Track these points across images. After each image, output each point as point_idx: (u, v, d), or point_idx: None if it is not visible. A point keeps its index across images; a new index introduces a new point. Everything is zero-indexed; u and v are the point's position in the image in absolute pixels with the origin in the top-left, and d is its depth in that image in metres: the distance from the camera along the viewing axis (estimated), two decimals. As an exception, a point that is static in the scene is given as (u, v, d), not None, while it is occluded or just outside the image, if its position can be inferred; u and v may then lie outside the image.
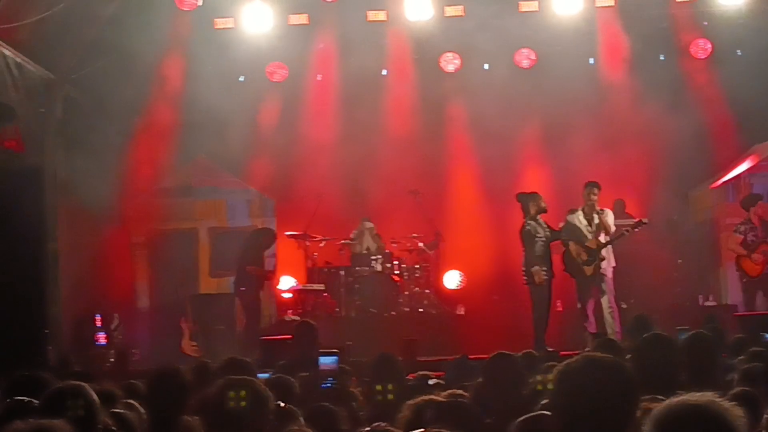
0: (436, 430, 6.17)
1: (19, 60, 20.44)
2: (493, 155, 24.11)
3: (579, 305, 19.72)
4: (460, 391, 8.50)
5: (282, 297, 22.19)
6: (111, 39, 21.98)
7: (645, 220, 20.33)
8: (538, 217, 19.10)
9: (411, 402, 7.50)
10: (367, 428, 6.27)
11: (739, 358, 10.63)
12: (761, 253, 20.73)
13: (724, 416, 4.14)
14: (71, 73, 22.08)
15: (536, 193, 19.85)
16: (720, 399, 4.37)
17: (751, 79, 23.59)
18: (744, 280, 20.60)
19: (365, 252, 22.57)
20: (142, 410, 7.38)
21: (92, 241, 21.89)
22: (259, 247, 22.11)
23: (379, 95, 24.31)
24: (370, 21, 23.29)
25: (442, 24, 23.56)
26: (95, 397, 6.11)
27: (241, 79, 23.89)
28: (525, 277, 19.21)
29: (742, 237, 20.63)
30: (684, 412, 4.17)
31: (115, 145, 23.06)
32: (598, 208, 19.53)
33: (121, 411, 7.57)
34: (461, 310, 22.66)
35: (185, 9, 22.53)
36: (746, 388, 7.01)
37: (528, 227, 19.16)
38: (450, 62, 23.99)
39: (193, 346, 20.21)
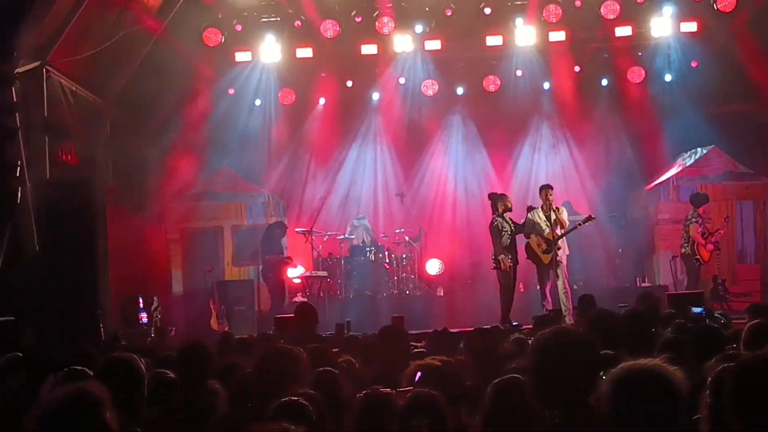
0: (424, 389, 6.17)
1: (73, 88, 20.42)
2: (466, 163, 24.17)
3: (538, 287, 19.74)
4: (446, 358, 8.52)
5: (293, 282, 22.18)
6: (149, 70, 21.98)
7: (593, 216, 20.36)
8: (505, 214, 19.12)
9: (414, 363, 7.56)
10: (365, 391, 6.24)
11: (669, 329, 10.67)
12: (711, 243, 20.84)
13: (670, 377, 4.17)
14: (116, 98, 22.05)
15: (504, 194, 19.90)
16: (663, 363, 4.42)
17: (676, 99, 23.74)
18: (697, 264, 20.57)
19: (361, 244, 22.57)
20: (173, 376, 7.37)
21: (135, 238, 21.86)
22: (275, 237, 22.16)
23: (372, 115, 24.33)
24: (363, 54, 23.27)
25: (423, 56, 23.57)
26: (142, 366, 6.11)
27: (258, 102, 23.86)
28: (494, 264, 19.21)
29: (701, 228, 20.65)
30: (637, 373, 4.20)
31: (153, 158, 23.04)
32: (554, 206, 19.54)
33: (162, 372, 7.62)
34: (440, 292, 22.67)
35: (211, 45, 22.57)
36: (670, 355, 7.04)
37: (496, 222, 19.17)
38: (429, 88, 23.98)
39: (220, 323, 20.23)
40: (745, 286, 21.80)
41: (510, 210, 19.35)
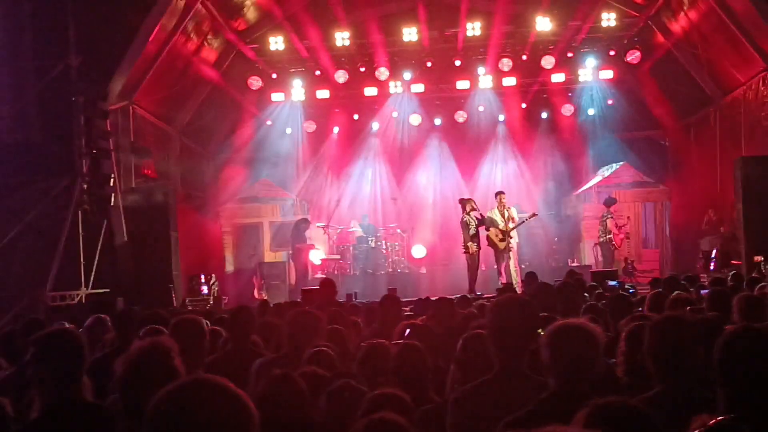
0: (411, 341, 6.17)
1: (152, 120, 20.45)
2: (442, 175, 24.13)
3: (496, 266, 19.73)
4: (426, 318, 8.55)
5: (314, 264, 22.16)
6: (208, 107, 22.02)
7: (536, 214, 20.34)
8: (471, 212, 19.10)
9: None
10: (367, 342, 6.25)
11: (591, 297, 10.72)
12: (622, 233, 20.89)
13: (592, 331, 4.17)
14: (184, 128, 22.07)
15: (471, 198, 19.88)
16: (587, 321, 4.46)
17: (596, 128, 23.79)
18: (612, 249, 20.59)
19: (364, 235, 22.53)
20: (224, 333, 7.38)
21: (198, 231, 21.84)
22: (301, 230, 22.12)
23: (372, 139, 24.29)
24: (366, 96, 23.26)
25: (410, 96, 23.56)
26: (204, 324, 6.11)
27: (288, 130, 23.82)
28: (463, 250, 19.20)
29: (614, 222, 20.70)
30: (568, 328, 4.19)
31: (211, 172, 23.03)
32: (506, 206, 19.56)
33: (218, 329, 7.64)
34: (423, 270, 22.62)
35: (253, 88, 22.59)
36: (592, 316, 7.08)
37: (465, 219, 19.14)
38: (415, 119, 23.98)
39: (260, 293, 20.23)
40: (648, 265, 21.81)
41: (475, 210, 19.35)
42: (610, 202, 21.11)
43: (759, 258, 16.44)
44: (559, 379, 4.12)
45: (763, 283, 9.44)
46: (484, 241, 19.37)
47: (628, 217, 21.70)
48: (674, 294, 8.79)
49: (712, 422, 3.37)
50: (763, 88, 19.36)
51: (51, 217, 17.69)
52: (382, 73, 22.75)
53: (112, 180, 18.05)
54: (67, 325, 5.85)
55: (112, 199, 18.20)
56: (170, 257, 18.33)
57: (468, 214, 19.34)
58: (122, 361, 3.64)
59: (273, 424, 3.30)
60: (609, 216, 20.76)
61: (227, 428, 2.08)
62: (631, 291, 13.30)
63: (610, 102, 23.74)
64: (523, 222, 19.94)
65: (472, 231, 19.21)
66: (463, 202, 19.81)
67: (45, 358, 4.56)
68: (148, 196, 18.85)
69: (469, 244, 19.20)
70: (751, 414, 3.32)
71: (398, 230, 22.96)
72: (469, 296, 13.96)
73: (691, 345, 4.29)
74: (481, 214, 19.51)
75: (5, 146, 18.04)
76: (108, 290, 17.27)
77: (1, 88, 18.36)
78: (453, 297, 11.47)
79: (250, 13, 21.03)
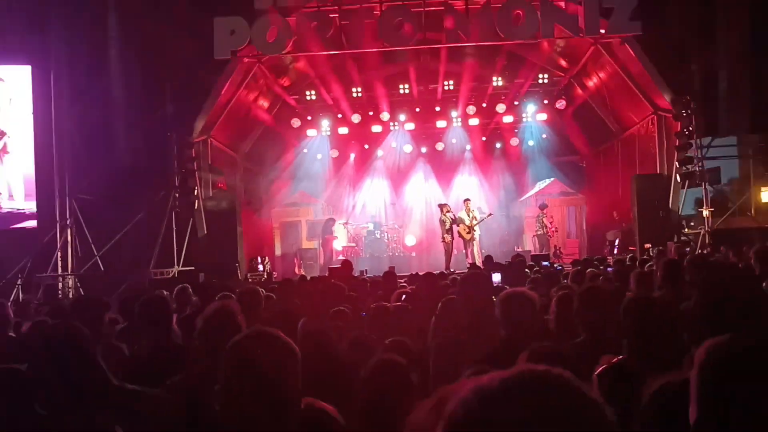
0: (404, 303, 6.17)
1: (223, 148, 20.45)
2: (427, 187, 24.03)
3: (464, 251, 19.73)
4: (414, 287, 8.53)
5: (337, 250, 22.09)
6: (262, 140, 22.01)
7: (491, 214, 20.32)
8: (447, 213, 19.14)
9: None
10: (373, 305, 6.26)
11: (531, 272, 10.69)
12: (553, 228, 20.86)
13: (531, 296, 4.16)
14: (245, 155, 22.07)
15: (446, 204, 19.90)
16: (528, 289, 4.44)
17: (535, 154, 23.73)
18: (546, 239, 20.51)
19: (372, 230, 22.47)
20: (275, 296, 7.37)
21: (255, 226, 21.82)
22: (328, 226, 22.13)
23: (378, 162, 24.20)
24: (373, 131, 23.25)
25: (404, 132, 23.50)
26: (260, 292, 6.11)
27: (318, 156, 23.69)
28: (441, 240, 19.21)
29: (548, 220, 20.65)
30: (515, 294, 4.20)
31: (264, 185, 23.01)
32: (471, 209, 19.56)
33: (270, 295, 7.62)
34: (414, 254, 22.55)
35: (294, 126, 22.57)
36: (531, 286, 7.07)
37: (442, 218, 19.18)
38: (407, 148, 23.91)
39: (300, 270, 20.18)
40: (571, 250, 21.75)
41: (449, 211, 19.37)
42: (543, 206, 21.13)
43: (648, 245, 16.45)
44: (508, 330, 4.13)
45: (650, 263, 9.43)
46: (456, 234, 19.40)
47: (552, 216, 21.58)
48: (589, 270, 8.80)
49: (614, 360, 3.38)
50: (651, 127, 19.39)
51: (153, 217, 17.75)
52: (385, 115, 22.76)
53: (195, 191, 18.06)
54: (165, 293, 5.84)
55: (196, 205, 18.21)
56: (236, 245, 18.32)
57: (444, 214, 19.39)
58: (201, 318, 3.63)
59: (313, 359, 3.28)
60: (544, 216, 20.76)
61: (278, 363, 2.07)
62: (558, 268, 13.31)
63: (544, 136, 23.67)
64: (483, 220, 19.92)
65: (447, 226, 19.24)
66: (441, 206, 19.89)
67: (146, 314, 4.59)
68: (220, 202, 18.83)
69: (445, 235, 19.24)
70: (642, 356, 3.33)
71: (396, 226, 22.91)
72: (445, 272, 13.97)
73: (604, 306, 4.29)
74: (453, 215, 19.52)
75: (123, 168, 18.04)
76: (192, 268, 17.30)
77: (120, 128, 18.37)
78: (435, 272, 11.46)
79: (292, 74, 21.02)
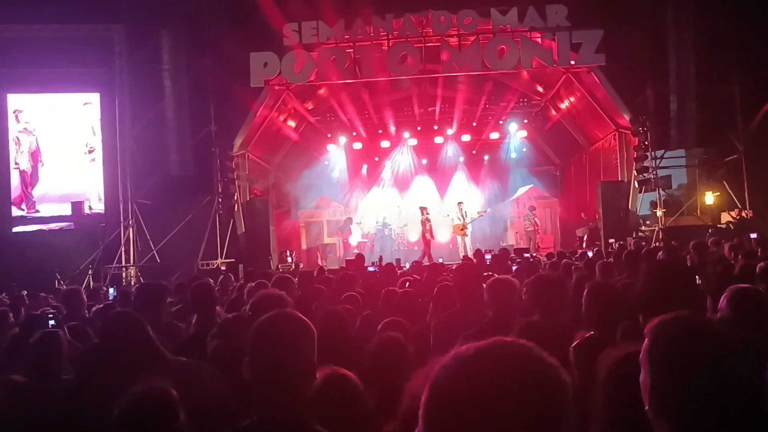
0: (408, 289, 6.15)
1: (258, 161, 20.46)
2: (428, 192, 23.90)
3: (459, 246, 19.73)
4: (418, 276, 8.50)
5: (352, 245, 21.97)
6: (291, 154, 22.01)
7: (485, 212, 20.35)
8: (426, 214, 19.36)
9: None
10: (385, 289, 6.25)
11: (516, 263, 10.62)
12: (537, 226, 20.73)
13: (513, 282, 4.20)
14: (277, 166, 22.09)
15: (426, 207, 20.08)
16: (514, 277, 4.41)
17: (517, 165, 23.60)
18: (533, 235, 20.35)
19: (381, 228, 22.39)
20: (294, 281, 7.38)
21: (285, 225, 21.86)
22: (346, 225, 21.95)
23: (386, 172, 24.13)
24: (382, 147, 23.23)
25: (409, 147, 23.45)
26: (293, 279, 6.12)
27: (337, 167, 23.56)
28: (423, 237, 19.59)
29: (533, 222, 20.55)
30: (499, 280, 4.21)
31: (292, 191, 22.91)
32: (464, 211, 19.55)
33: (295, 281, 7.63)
34: (416, 248, 22.33)
35: (316, 143, 22.58)
36: (514, 275, 7.04)
37: (422, 219, 19.33)
38: (411, 160, 23.84)
39: (323, 262, 20.13)
40: (547, 245, 21.59)
41: (428, 214, 19.55)
42: (532, 208, 21.00)
43: (611, 240, 16.41)
44: (494, 311, 4.12)
45: (611, 258, 9.42)
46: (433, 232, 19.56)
47: (535, 220, 21.40)
48: (564, 261, 8.77)
49: (587, 335, 3.38)
50: (613, 141, 19.35)
51: (200, 218, 17.80)
52: (392, 133, 22.74)
53: (235, 196, 18.10)
54: (210, 280, 5.87)
55: (235, 207, 18.25)
56: (269, 240, 18.35)
57: (425, 215, 19.52)
58: (254, 299, 3.68)
59: (329, 337, 3.30)
60: (532, 216, 20.64)
61: (296, 339, 2.10)
62: (536, 259, 13.25)
63: (524, 150, 23.60)
64: (474, 219, 19.92)
65: (426, 227, 19.35)
66: (422, 209, 19.91)
67: (196, 297, 4.60)
68: (256, 206, 18.87)
69: (426, 234, 19.28)
70: (604, 331, 3.33)
71: (401, 225, 22.81)
72: (424, 263, 13.98)
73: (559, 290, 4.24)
74: (427, 218, 19.51)
75: (174, 177, 18.15)
76: (233, 260, 17.33)
77: (172, 144, 18.44)
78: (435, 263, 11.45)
79: (315, 100, 21.02)
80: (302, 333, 2.10)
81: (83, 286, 14.22)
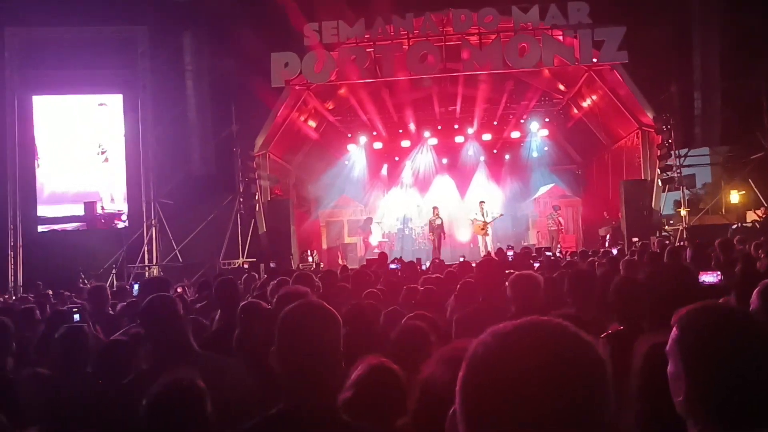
0: (429, 286, 6.13)
1: (279, 161, 20.55)
2: (448, 191, 23.81)
3: (480, 245, 19.69)
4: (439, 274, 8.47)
5: (373, 244, 21.93)
6: (311, 154, 22.06)
7: (502, 214, 20.29)
8: (437, 213, 19.42)
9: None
10: (405, 286, 6.23)
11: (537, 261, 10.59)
12: (561, 225, 20.60)
13: (537, 277, 4.17)
14: (297, 165, 22.15)
15: (437, 207, 20.38)
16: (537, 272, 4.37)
17: (538, 164, 23.43)
18: (556, 234, 20.15)
19: (402, 227, 22.36)
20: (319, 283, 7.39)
21: (306, 225, 21.90)
22: (367, 224, 21.98)
23: (406, 171, 24.07)
24: (402, 146, 23.22)
25: (429, 146, 23.40)
26: (315, 278, 6.13)
27: (357, 166, 23.47)
28: (431, 237, 19.79)
29: (557, 221, 20.42)
30: (522, 275, 4.19)
31: (312, 191, 22.98)
32: (485, 210, 19.51)
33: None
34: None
35: (337, 142, 22.64)
36: (537, 270, 6.99)
37: (431, 218, 19.17)
38: (431, 159, 23.81)
39: (343, 261, 20.12)
40: (570, 244, 21.38)
41: (438, 214, 19.84)
42: (556, 208, 20.88)
43: (635, 239, 16.26)
44: (517, 306, 4.11)
45: (636, 256, 9.34)
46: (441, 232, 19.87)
47: (559, 220, 21.26)
48: (588, 260, 8.71)
49: (619, 327, 3.36)
50: (636, 140, 19.16)
51: (222, 218, 17.93)
52: (412, 132, 22.73)
53: (256, 196, 18.18)
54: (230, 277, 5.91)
55: (257, 207, 18.34)
56: (290, 240, 18.39)
57: (437, 216, 19.59)
58: (278, 295, 3.71)
59: (356, 328, 3.31)
60: (556, 214, 20.52)
61: (323, 328, 2.12)
62: (558, 257, 13.19)
63: (546, 148, 23.47)
64: (495, 219, 19.86)
65: (435, 225, 19.60)
66: (434, 208, 19.96)
67: (220, 292, 4.63)
68: (277, 205, 18.95)
69: (436, 232, 19.59)
70: (632, 326, 3.30)
71: (421, 224, 22.72)
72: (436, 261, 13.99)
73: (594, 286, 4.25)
74: (437, 218, 19.54)
75: (197, 177, 18.30)
76: (254, 259, 17.43)
77: (194, 144, 18.58)
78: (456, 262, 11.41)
79: (335, 100, 21.07)
80: (328, 322, 2.11)
81: (107, 284, 14.36)
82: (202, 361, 2.86)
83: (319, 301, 2.20)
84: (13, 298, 14.46)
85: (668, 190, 17.59)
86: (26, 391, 4.16)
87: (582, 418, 1.04)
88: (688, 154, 17.65)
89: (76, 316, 4.92)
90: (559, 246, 20.01)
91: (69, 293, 10.96)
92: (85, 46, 18.44)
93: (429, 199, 23.18)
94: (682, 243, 15.28)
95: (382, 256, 12.80)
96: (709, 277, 3.69)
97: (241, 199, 17.95)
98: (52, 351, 4.38)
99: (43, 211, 19.00)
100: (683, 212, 17.46)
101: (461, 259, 14.31)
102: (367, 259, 16.40)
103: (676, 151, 16.97)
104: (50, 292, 11.11)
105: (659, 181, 17.44)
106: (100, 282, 11.30)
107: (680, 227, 17.18)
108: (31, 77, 18.81)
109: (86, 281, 15.87)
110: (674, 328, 1.77)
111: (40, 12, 17.57)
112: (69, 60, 18.31)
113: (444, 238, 19.97)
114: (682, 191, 17.44)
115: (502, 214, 20.26)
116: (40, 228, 18.81)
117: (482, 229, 19.55)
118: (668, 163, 16.93)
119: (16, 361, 4.55)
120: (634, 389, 2.02)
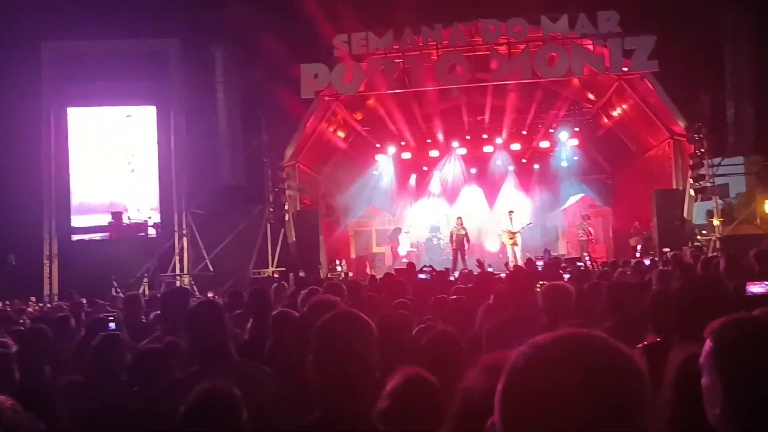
0: (458, 297, 6.11)
1: (308, 170, 20.64)
2: (476, 201, 23.70)
3: (508, 254, 19.57)
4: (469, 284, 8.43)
5: (401, 254, 21.94)
6: (339, 164, 22.10)
7: (530, 223, 20.16)
8: (459, 225, 19.43)
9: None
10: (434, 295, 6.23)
11: (567, 272, 10.49)
12: (590, 235, 20.40)
13: (568, 287, 4.13)
14: (325, 175, 22.21)
15: (460, 217, 20.26)
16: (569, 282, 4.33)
17: (568, 174, 23.24)
18: (586, 244, 19.94)
19: (430, 237, 22.32)
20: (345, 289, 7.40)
21: (334, 234, 21.96)
22: (395, 234, 22.09)
23: (435, 181, 24.03)
24: (431, 156, 23.22)
25: (456, 155, 23.35)
26: (343, 287, 6.16)
27: (386, 176, 23.48)
28: (452, 247, 19.90)
29: (587, 231, 20.24)
30: (553, 285, 4.15)
31: (341, 201, 22.97)
32: (513, 218, 19.42)
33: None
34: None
35: (365, 152, 22.70)
36: (568, 280, 6.93)
37: (453, 228, 19.38)
38: (460, 169, 23.72)
39: (372, 270, 20.11)
40: (600, 254, 21.17)
41: (462, 224, 19.69)
42: (586, 217, 20.71)
43: (666, 249, 16.04)
44: (548, 316, 4.09)
45: (667, 267, 9.22)
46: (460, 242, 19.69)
47: (588, 230, 21.05)
48: (618, 271, 8.64)
49: (656, 339, 3.33)
50: (667, 149, 18.94)
51: (252, 227, 18.09)
52: (440, 142, 22.74)
53: (285, 206, 18.29)
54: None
55: (286, 217, 18.45)
56: (318, 249, 18.47)
57: (459, 227, 19.45)
58: (309, 304, 3.74)
59: (388, 335, 3.31)
60: (586, 223, 20.34)
61: (359, 337, 2.13)
62: (588, 268, 13.07)
63: (575, 158, 23.31)
64: (524, 228, 19.75)
65: (457, 234, 19.56)
66: (458, 218, 19.86)
67: (253, 301, 4.68)
68: (306, 215, 19.05)
69: (461, 242, 19.54)
70: (666, 337, 3.27)
71: (448, 234, 22.63)
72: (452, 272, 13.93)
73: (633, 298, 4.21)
74: (461, 227, 19.60)
75: (227, 187, 18.51)
76: (284, 269, 17.51)
77: (225, 155, 18.79)
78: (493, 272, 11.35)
79: (364, 110, 21.16)
80: (364, 331, 2.13)
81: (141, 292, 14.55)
82: (240, 369, 2.91)
83: (356, 311, 2.23)
84: (48, 306, 14.75)
85: (701, 200, 17.34)
86: (63, 399, 4.24)
87: (620, 430, 1.05)
88: (721, 163, 17.40)
89: (112, 325, 5.01)
90: (586, 256, 19.85)
91: (103, 302, 11.12)
92: (118, 59, 18.81)
93: (457, 209, 23.14)
94: (715, 253, 15.04)
95: (410, 266, 12.78)
96: (756, 288, 3.63)
97: (271, 209, 18.08)
98: (88, 359, 4.45)
99: (75, 221, 19.36)
100: (716, 222, 17.19)
101: (489, 269, 14.26)
102: (396, 269, 16.41)
103: (709, 160, 16.74)
104: (84, 301, 11.28)
105: (691, 190, 17.21)
106: (133, 291, 11.47)
107: (713, 237, 16.92)
108: (66, 90, 19.22)
109: (119, 290, 16.11)
110: (708, 341, 1.76)
111: (74, 26, 17.96)
112: (103, 72, 18.69)
113: (468, 247, 19.85)
114: (715, 201, 17.18)
115: (530, 223, 20.12)
116: (74, 237, 19.15)
117: (511, 238, 19.45)
118: (701, 172, 16.71)
119: (52, 369, 4.63)
120: (667, 401, 2.00)
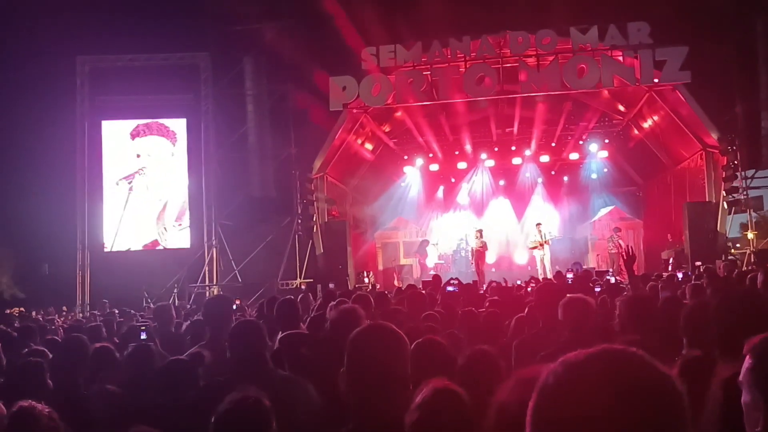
0: (492, 309, 6.06)
1: (336, 183, 20.70)
2: (505, 214, 23.56)
3: (538, 267, 19.42)
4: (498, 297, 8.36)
5: (428, 266, 21.85)
6: (367, 176, 22.16)
7: (558, 236, 19.98)
8: (479, 238, 19.24)
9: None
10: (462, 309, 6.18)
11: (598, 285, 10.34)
12: (620, 248, 20.12)
13: (590, 301, 4.08)
14: (353, 187, 22.28)
15: (481, 229, 19.94)
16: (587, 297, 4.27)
17: (597, 186, 23.03)
18: (616, 257, 19.61)
19: (458, 249, 22.19)
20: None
21: (362, 246, 21.96)
22: (423, 246, 22.04)
23: (463, 193, 23.96)
24: (458, 168, 23.15)
25: (484, 167, 23.25)
26: (371, 298, 6.15)
27: (414, 188, 23.42)
28: (472, 262, 19.73)
29: (618, 242, 19.99)
30: (574, 299, 4.10)
31: (369, 212, 23.06)
32: (542, 231, 19.26)
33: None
34: (494, 270, 21.96)
35: (393, 164, 22.74)
36: (597, 294, 6.84)
37: (475, 241, 19.01)
38: (488, 181, 23.63)
39: (400, 282, 20.07)
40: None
41: (481, 237, 19.29)
42: (617, 230, 20.44)
43: (698, 263, 15.79)
44: (570, 330, 4.03)
45: (703, 280, 9.06)
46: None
47: (620, 242, 20.79)
48: (649, 284, 8.51)
49: (696, 354, 3.27)
50: (700, 161, 18.68)
51: (280, 239, 18.18)
52: (468, 154, 22.67)
53: (314, 218, 18.39)
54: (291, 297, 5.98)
55: (314, 228, 18.53)
56: (346, 261, 18.51)
57: (480, 239, 19.21)
58: (333, 314, 3.74)
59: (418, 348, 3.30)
60: (616, 236, 20.09)
61: (391, 350, 2.12)
62: (618, 281, 12.87)
63: (605, 170, 23.10)
64: (554, 237, 19.65)
65: (474, 251, 19.35)
66: (478, 230, 19.68)
67: (281, 312, 4.70)
68: (334, 227, 19.11)
69: (483, 257, 19.36)
70: (705, 353, 3.21)
71: (470, 247, 22.43)
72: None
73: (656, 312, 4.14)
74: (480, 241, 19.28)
75: (256, 199, 18.65)
76: (312, 280, 17.57)
77: (254, 167, 18.94)
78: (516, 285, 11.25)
79: (392, 122, 21.20)
80: (397, 344, 2.13)
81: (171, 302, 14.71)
82: (275, 380, 2.93)
83: (389, 324, 2.23)
84: (80, 315, 14.97)
85: (734, 213, 17.04)
86: (96, 407, 4.29)
87: None
88: (755, 175, 17.11)
89: (143, 335, 5.06)
90: (610, 270, 19.61)
91: (134, 312, 11.26)
92: (150, 73, 19.14)
93: (486, 221, 23.03)
94: (750, 267, 14.77)
95: (436, 278, 12.71)
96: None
97: (299, 221, 18.18)
98: (121, 368, 4.50)
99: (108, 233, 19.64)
100: (750, 235, 16.91)
101: (518, 282, 14.12)
102: (423, 281, 16.36)
103: (743, 173, 16.47)
104: (116, 311, 11.44)
105: (725, 203, 16.93)
106: (163, 301, 11.59)
107: (747, 251, 16.64)
108: (100, 103, 19.58)
109: (149, 300, 16.29)
110: (748, 357, 1.72)
111: (109, 41, 18.35)
112: (136, 86, 19.01)
113: (485, 258, 19.70)
114: (749, 214, 16.89)
115: (556, 236, 20.02)
116: (106, 248, 19.43)
117: (539, 250, 19.33)
118: (734, 184, 16.43)
119: (86, 378, 4.69)
120: (712, 420, 1.95)
